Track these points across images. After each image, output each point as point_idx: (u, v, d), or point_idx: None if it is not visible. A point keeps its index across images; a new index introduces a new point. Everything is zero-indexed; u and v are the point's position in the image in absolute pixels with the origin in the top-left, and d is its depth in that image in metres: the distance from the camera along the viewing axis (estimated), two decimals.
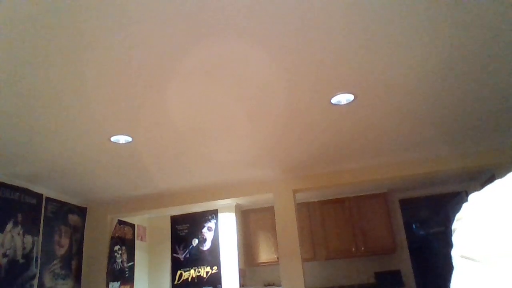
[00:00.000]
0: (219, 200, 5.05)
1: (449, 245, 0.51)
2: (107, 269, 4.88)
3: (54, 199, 4.45)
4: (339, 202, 5.93)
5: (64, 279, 4.47)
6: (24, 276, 3.86)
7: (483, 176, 5.37)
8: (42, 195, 4.26)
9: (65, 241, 4.57)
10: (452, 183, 5.82)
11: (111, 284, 4.93)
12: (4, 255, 3.64)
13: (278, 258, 5.17)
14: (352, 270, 5.89)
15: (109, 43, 1.96)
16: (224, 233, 5.70)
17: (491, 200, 0.48)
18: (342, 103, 2.86)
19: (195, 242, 5.80)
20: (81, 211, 4.95)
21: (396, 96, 2.83)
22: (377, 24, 1.99)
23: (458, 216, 0.52)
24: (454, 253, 0.49)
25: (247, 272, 5.82)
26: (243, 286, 5.48)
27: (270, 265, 5.84)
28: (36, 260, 4.05)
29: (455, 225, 0.51)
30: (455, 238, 0.50)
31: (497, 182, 0.49)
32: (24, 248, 3.89)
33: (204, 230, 5.80)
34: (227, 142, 3.45)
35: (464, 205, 0.51)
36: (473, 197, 0.51)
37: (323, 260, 5.88)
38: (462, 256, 0.47)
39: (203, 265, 5.65)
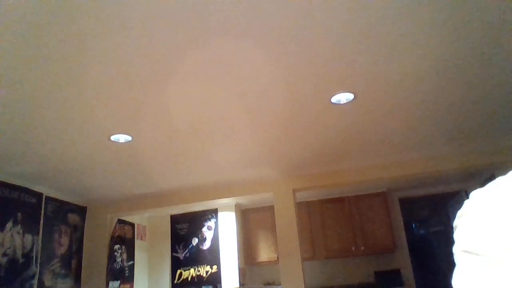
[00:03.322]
0: (219, 199, 5.06)
1: (449, 244, 0.51)
2: (107, 268, 4.89)
3: (54, 198, 4.45)
4: (339, 201, 5.93)
5: (64, 278, 4.47)
6: (24, 275, 3.87)
7: (483, 176, 5.37)
8: (42, 194, 4.26)
9: (65, 240, 4.57)
10: (452, 182, 5.82)
11: (111, 283, 4.94)
12: (4, 254, 3.64)
13: (278, 257, 5.17)
14: (351, 269, 5.89)
15: (109, 42, 1.96)
16: (224, 232, 5.70)
17: (492, 197, 0.48)
18: (342, 102, 2.86)
19: (195, 241, 5.80)
20: (81, 210, 4.95)
21: (396, 96, 2.83)
22: (377, 23, 1.99)
23: (459, 213, 0.52)
24: (456, 249, 0.49)
25: (247, 271, 5.82)
26: (243, 285, 5.48)
27: (270, 264, 5.84)
28: (36, 259, 4.05)
29: (457, 222, 0.52)
30: (456, 234, 0.50)
31: (499, 179, 0.49)
32: (24, 247, 3.89)
33: (204, 229, 5.80)
34: (227, 141, 3.45)
35: (466, 202, 0.52)
36: (475, 194, 0.51)
37: (323, 259, 5.88)
38: (464, 251, 0.47)
39: (203, 264, 5.65)
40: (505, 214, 0.45)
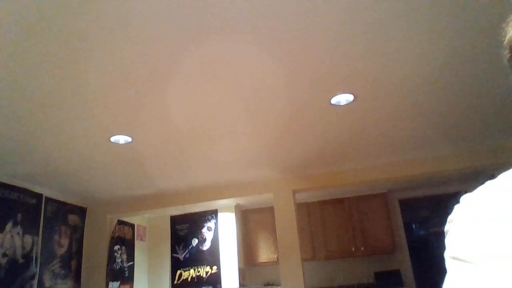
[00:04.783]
0: (219, 200, 5.06)
1: (445, 247, 0.51)
2: (107, 269, 4.88)
3: (54, 199, 4.45)
4: (339, 202, 5.93)
5: (63, 279, 4.47)
6: (24, 276, 3.86)
7: (483, 176, 5.37)
8: (41, 195, 4.25)
9: (64, 241, 4.57)
10: (452, 183, 5.82)
11: (110, 284, 4.93)
12: (4, 255, 3.64)
13: (277, 258, 5.17)
14: (351, 270, 5.89)
15: (109, 43, 1.96)
16: (224, 233, 5.70)
17: (482, 202, 0.47)
18: (342, 104, 2.86)
19: (194, 242, 5.80)
20: (81, 211, 4.95)
21: (396, 97, 2.83)
22: (377, 24, 1.99)
23: (450, 218, 0.51)
24: (446, 255, 0.49)
25: (246, 271, 5.82)
26: (242, 286, 5.48)
27: (270, 265, 5.84)
28: (36, 260, 4.05)
29: (447, 227, 0.51)
30: (447, 240, 0.50)
31: (488, 184, 0.49)
32: (23, 248, 3.89)
33: (204, 230, 5.80)
34: (227, 142, 3.45)
35: (456, 207, 0.51)
36: (465, 198, 0.51)
37: (323, 260, 5.88)
38: (453, 258, 0.47)
39: (202, 265, 5.65)
40: (494, 219, 0.44)
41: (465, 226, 0.47)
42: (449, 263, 0.48)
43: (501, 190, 0.46)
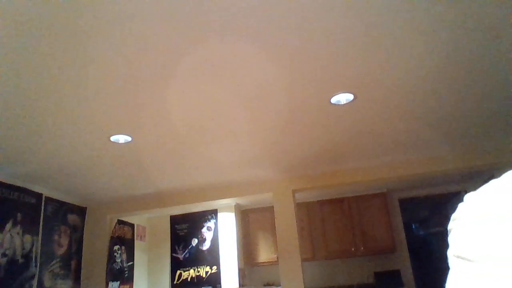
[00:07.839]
0: (218, 200, 5.06)
1: (448, 245, 0.51)
2: (107, 269, 4.88)
3: (54, 198, 4.45)
4: (339, 202, 5.93)
5: (63, 279, 4.46)
6: (24, 276, 3.86)
7: (483, 176, 5.37)
8: (41, 194, 4.25)
9: (64, 241, 4.57)
10: (452, 183, 5.82)
11: (110, 284, 4.93)
12: (4, 254, 3.63)
13: (277, 258, 5.17)
14: (351, 270, 5.89)
15: (109, 42, 1.96)
16: (223, 233, 5.70)
17: (486, 200, 0.47)
18: (342, 103, 2.86)
19: (194, 242, 5.80)
20: (81, 211, 4.94)
21: (395, 96, 2.83)
22: (377, 24, 1.99)
23: (453, 216, 0.51)
24: (450, 253, 0.49)
25: (246, 271, 5.82)
26: (242, 286, 5.48)
27: (270, 265, 5.84)
28: (36, 260, 4.05)
29: (451, 225, 0.51)
30: (450, 238, 0.50)
31: (493, 182, 0.49)
32: (23, 248, 3.89)
33: (204, 229, 5.80)
34: (227, 142, 3.45)
35: (460, 205, 0.51)
36: (469, 197, 0.51)
37: (323, 260, 5.88)
38: (456, 256, 0.47)
39: (202, 265, 5.65)
40: (498, 218, 0.44)
41: (469, 226, 0.47)
42: (452, 261, 0.48)
43: (506, 190, 0.46)
